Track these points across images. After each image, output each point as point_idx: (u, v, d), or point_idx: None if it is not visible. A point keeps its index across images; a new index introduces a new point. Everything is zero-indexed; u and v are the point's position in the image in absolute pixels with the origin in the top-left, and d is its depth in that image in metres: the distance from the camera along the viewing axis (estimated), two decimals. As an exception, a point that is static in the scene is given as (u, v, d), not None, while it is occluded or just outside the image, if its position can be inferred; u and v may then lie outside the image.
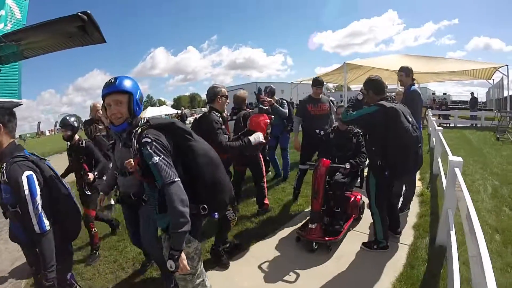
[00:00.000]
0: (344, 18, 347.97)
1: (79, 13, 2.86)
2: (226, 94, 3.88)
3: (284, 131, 6.92)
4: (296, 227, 4.62)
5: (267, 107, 4.23)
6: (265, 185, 5.32)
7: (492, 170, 7.83)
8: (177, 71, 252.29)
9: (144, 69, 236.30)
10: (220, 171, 2.27)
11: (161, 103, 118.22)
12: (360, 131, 4.73)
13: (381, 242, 3.91)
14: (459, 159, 3.73)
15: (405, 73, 5.02)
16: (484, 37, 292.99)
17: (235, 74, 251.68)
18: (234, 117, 5.25)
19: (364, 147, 4.59)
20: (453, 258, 2.95)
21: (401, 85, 5.43)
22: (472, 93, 23.93)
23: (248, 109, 5.45)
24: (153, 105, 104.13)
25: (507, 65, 17.85)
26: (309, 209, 4.38)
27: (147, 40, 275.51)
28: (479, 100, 26.73)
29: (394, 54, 26.09)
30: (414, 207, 5.30)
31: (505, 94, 20.07)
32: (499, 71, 18.73)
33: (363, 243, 4.09)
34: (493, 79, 22.41)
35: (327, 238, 4.00)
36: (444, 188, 4.32)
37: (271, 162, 7.42)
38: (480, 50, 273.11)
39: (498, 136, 13.12)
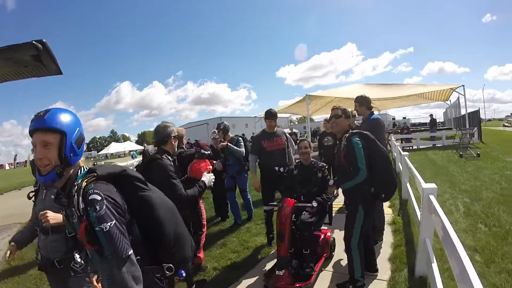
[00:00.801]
0: (306, 52, 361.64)
1: (33, 41, 2.67)
2: (177, 133, 3.43)
3: (241, 171, 6.41)
4: (263, 272, 4.19)
5: (208, 152, 3.86)
6: (204, 235, 4.62)
7: (460, 188, 7.87)
8: (142, 106, 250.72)
9: (109, 104, 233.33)
10: (181, 222, 1.94)
11: (125, 138, 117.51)
12: (324, 164, 4.50)
13: (358, 280, 3.54)
14: (433, 185, 3.51)
15: (359, 103, 4.93)
16: (438, 62, 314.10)
17: (200, 109, 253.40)
18: None
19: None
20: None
21: (358, 115, 5.23)
22: (431, 115, 25.10)
23: (184, 148, 4.87)
24: (117, 140, 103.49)
25: (463, 85, 18.90)
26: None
27: (112, 74, 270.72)
28: (437, 121, 27.93)
29: (354, 84, 26.98)
30: (388, 237, 5.04)
31: (463, 112, 20.99)
32: (456, 91, 19.66)
33: (338, 285, 3.71)
34: (450, 100, 23.49)
35: (297, 285, 3.57)
36: (419, 217, 4.19)
37: (231, 206, 6.76)
38: (434, 74, 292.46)
39: (461, 153, 13.39)
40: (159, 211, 1.75)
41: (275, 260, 4.16)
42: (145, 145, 32.14)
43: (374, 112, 5.11)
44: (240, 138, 6.27)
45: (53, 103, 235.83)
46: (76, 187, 1.56)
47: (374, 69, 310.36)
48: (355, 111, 5.07)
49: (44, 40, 2.70)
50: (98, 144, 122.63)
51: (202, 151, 3.75)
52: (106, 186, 1.59)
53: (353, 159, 3.35)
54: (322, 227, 4.46)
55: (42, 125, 1.57)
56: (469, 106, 19.62)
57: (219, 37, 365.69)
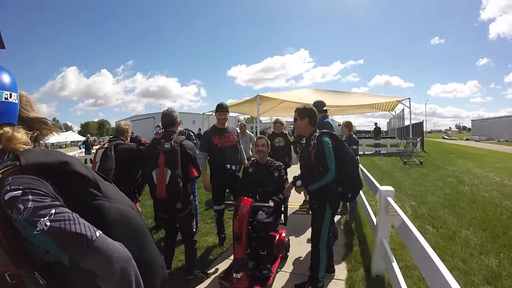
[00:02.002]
0: (259, 53, 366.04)
1: None
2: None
3: None
4: (216, 274, 4.00)
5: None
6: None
7: (406, 192, 8.22)
8: (87, 95, 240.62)
9: (53, 89, 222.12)
10: (147, 242, 1.40)
11: (67, 128, 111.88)
12: (281, 164, 4.40)
13: (320, 281, 3.46)
14: (390, 188, 3.57)
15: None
16: (385, 75, 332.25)
17: (148, 103, 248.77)
18: (106, 145, 4.12)
19: (287, 181, 4.23)
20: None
21: None
22: (376, 123, 26.21)
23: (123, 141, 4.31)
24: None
25: (409, 98, 19.84)
26: (229, 250, 3.77)
27: (59, 57, 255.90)
28: (381, 129, 29.32)
29: (304, 88, 27.34)
30: (341, 237, 5.05)
31: (407, 123, 22.14)
32: (402, 103, 20.61)
33: (296, 286, 3.60)
34: (395, 111, 24.61)
35: (256, 287, 3.40)
36: (374, 218, 4.29)
37: None
38: (381, 87, 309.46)
39: (405, 160, 14.02)
40: (114, 227, 1.22)
41: (229, 261, 4.00)
42: (88, 135, 30.71)
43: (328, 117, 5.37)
44: (192, 133, 5.68)
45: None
46: None
47: (324, 77, 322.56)
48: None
49: None
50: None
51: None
52: (32, 180, 1.07)
53: (322, 159, 3.27)
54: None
55: None
56: (412, 119, 20.73)
57: (175, 31, 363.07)
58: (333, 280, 3.74)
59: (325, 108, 5.25)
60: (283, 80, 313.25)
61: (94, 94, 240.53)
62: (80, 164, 1.25)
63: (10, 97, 1.19)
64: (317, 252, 3.44)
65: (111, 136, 4.37)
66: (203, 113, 26.22)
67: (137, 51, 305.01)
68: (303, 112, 3.56)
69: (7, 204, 1.00)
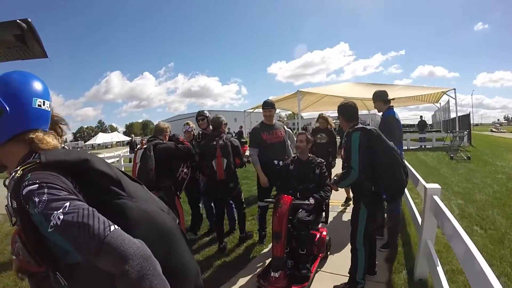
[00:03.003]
0: (298, 49, 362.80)
1: (18, 20, 2.52)
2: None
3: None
4: (255, 272, 4.01)
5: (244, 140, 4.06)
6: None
7: (453, 190, 7.85)
8: (131, 97, 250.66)
9: (98, 93, 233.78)
10: (177, 246, 1.34)
11: (112, 129, 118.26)
12: (323, 160, 4.31)
13: (359, 282, 3.37)
14: (437, 185, 3.40)
15: (373, 99, 4.94)
16: (428, 66, 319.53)
17: (190, 102, 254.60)
18: (145, 146, 4.28)
19: (328, 179, 4.17)
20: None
21: (378, 111, 5.12)
22: (421, 116, 25.13)
23: (162, 140, 4.45)
24: (105, 131, 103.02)
25: (454, 89, 18.85)
26: (269, 248, 3.76)
27: (103, 63, 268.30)
28: (427, 123, 28.18)
29: (345, 82, 26.74)
30: (384, 237, 4.88)
31: (453, 115, 21.10)
32: (447, 95, 19.68)
33: (335, 287, 3.54)
34: (440, 103, 23.58)
35: (294, 287, 3.37)
36: (419, 218, 4.12)
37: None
38: (424, 77, 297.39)
39: (451, 155, 13.44)
40: (137, 228, 1.17)
41: (268, 260, 4.01)
42: (132, 135, 31.97)
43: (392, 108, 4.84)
44: (230, 133, 5.86)
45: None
46: (11, 177, 1.13)
47: (365, 70, 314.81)
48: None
49: (29, 20, 2.55)
50: (85, 134, 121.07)
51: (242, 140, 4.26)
52: (49, 175, 1.07)
53: (348, 157, 3.21)
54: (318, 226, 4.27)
55: None
56: (458, 111, 19.72)
57: (213, 31, 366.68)
58: (374, 282, 3.64)
59: (388, 98, 4.82)
60: (323, 74, 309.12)
61: (138, 96, 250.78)
62: (102, 162, 1.25)
63: (43, 104, 1.25)
64: (355, 252, 3.37)
65: (150, 136, 4.57)
66: (244, 110, 26.29)
67: (177, 52, 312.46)
68: (337, 110, 3.61)
69: (24, 198, 1.01)
